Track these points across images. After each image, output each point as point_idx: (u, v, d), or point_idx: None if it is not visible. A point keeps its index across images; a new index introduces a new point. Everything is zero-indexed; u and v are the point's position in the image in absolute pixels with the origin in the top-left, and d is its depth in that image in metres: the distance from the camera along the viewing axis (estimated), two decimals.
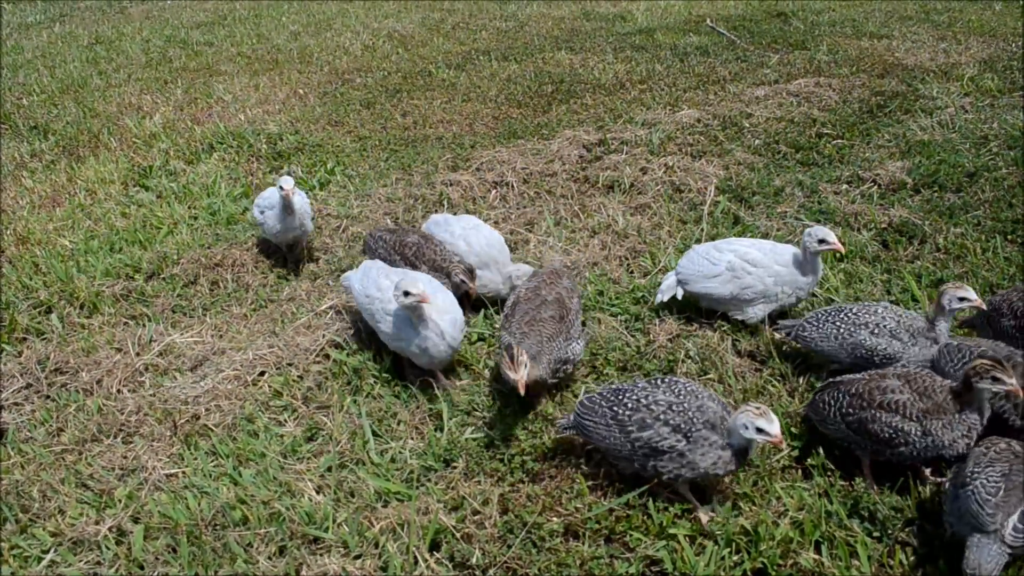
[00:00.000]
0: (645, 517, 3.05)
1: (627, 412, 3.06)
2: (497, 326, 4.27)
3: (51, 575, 3.05)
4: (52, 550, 3.12)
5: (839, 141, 6.29)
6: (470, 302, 4.34)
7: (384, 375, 3.96)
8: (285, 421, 3.76)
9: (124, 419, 3.79)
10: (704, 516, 3.02)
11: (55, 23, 13.51)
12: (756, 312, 4.03)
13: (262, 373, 4.05)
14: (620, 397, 3.13)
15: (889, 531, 2.90)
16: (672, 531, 2.97)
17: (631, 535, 2.98)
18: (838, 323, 3.57)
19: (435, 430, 3.61)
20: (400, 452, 3.49)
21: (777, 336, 3.91)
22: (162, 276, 5.07)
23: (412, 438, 3.59)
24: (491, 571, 2.89)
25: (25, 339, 4.53)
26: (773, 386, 3.72)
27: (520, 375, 3.18)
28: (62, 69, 10.15)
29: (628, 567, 2.87)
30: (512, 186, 5.89)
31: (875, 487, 3.12)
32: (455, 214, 5.41)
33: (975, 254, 4.57)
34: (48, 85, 9.44)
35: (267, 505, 3.21)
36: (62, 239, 5.66)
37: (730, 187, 5.61)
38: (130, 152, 7.16)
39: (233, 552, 3.01)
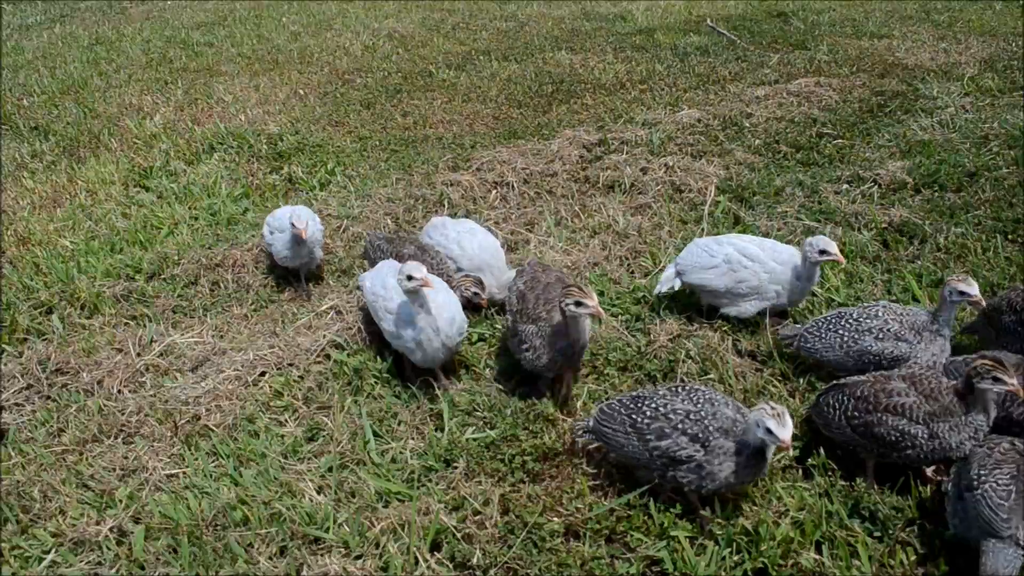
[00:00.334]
0: (646, 517, 3.05)
1: (646, 420, 3.03)
2: (500, 326, 4.28)
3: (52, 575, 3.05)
4: (53, 551, 3.12)
5: (839, 141, 6.29)
6: (481, 311, 4.34)
7: (385, 375, 3.96)
8: (286, 421, 3.76)
9: (125, 420, 3.79)
10: (705, 516, 3.02)
11: (55, 24, 13.51)
12: (749, 308, 4.03)
13: (263, 373, 4.05)
14: (639, 405, 3.09)
15: (890, 531, 2.90)
16: (673, 532, 2.97)
17: (632, 535, 2.98)
18: (840, 331, 3.54)
19: (436, 430, 3.61)
20: (401, 452, 3.49)
21: (780, 335, 3.91)
22: (163, 277, 5.07)
23: (413, 438, 3.59)
24: (492, 571, 2.89)
25: (26, 340, 4.53)
26: (774, 386, 3.72)
27: (595, 301, 3.28)
28: (62, 70, 10.15)
29: (629, 567, 2.87)
30: (512, 186, 5.89)
31: (876, 487, 3.12)
32: (455, 215, 5.42)
33: (976, 254, 4.57)
34: (49, 86, 9.44)
35: (268, 505, 3.21)
36: (63, 240, 5.66)
37: (730, 187, 5.61)
38: (130, 153, 7.16)
39: (234, 552, 3.02)
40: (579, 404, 3.71)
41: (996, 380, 2.82)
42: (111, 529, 3.17)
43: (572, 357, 3.55)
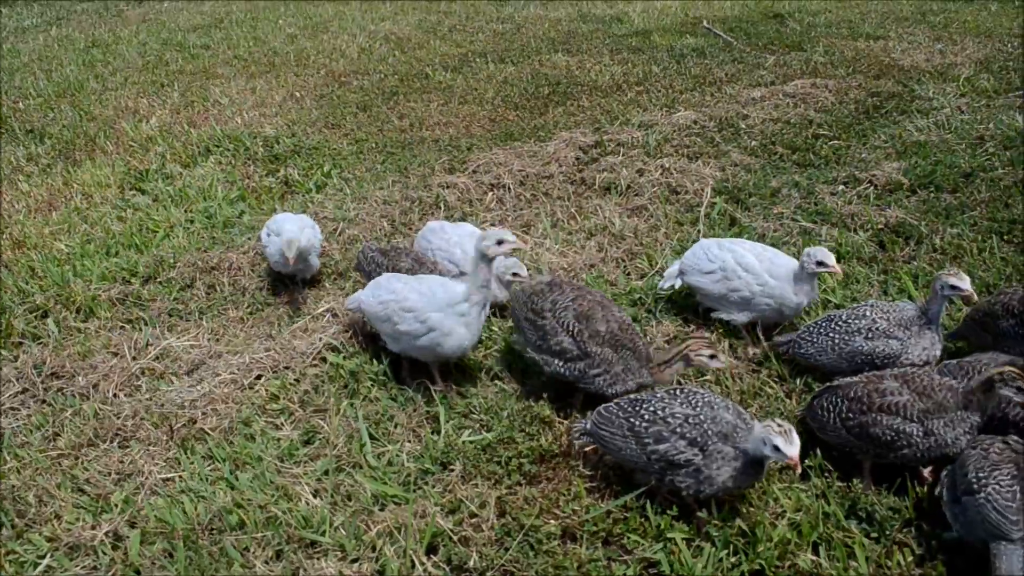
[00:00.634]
0: (643, 519, 3.05)
1: (644, 424, 3.02)
2: (496, 328, 4.27)
3: None
4: (48, 555, 3.11)
5: (835, 142, 6.30)
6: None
7: (381, 378, 3.95)
8: (282, 425, 3.75)
9: (120, 423, 3.78)
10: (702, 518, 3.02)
11: (52, 26, 13.49)
12: (740, 317, 4.03)
13: (259, 377, 4.04)
14: (637, 408, 3.08)
15: (887, 532, 2.90)
16: (670, 534, 2.96)
17: (629, 537, 2.98)
18: (831, 333, 3.55)
19: (432, 433, 3.60)
20: (397, 455, 3.48)
21: (774, 341, 3.91)
22: (158, 280, 5.05)
23: (409, 441, 3.58)
24: (488, 574, 2.88)
25: (21, 343, 4.51)
26: (770, 387, 3.72)
27: (725, 361, 3.41)
28: (58, 73, 10.14)
29: (626, 569, 2.87)
30: (509, 188, 5.89)
31: (873, 488, 3.12)
32: (451, 217, 5.41)
33: (971, 254, 4.57)
34: (44, 89, 9.42)
35: (264, 509, 3.20)
36: (58, 243, 5.64)
37: (727, 188, 5.61)
38: (126, 156, 7.15)
39: (230, 556, 3.01)
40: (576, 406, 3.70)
41: (1020, 391, 2.83)
42: (107, 534, 3.16)
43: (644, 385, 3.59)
